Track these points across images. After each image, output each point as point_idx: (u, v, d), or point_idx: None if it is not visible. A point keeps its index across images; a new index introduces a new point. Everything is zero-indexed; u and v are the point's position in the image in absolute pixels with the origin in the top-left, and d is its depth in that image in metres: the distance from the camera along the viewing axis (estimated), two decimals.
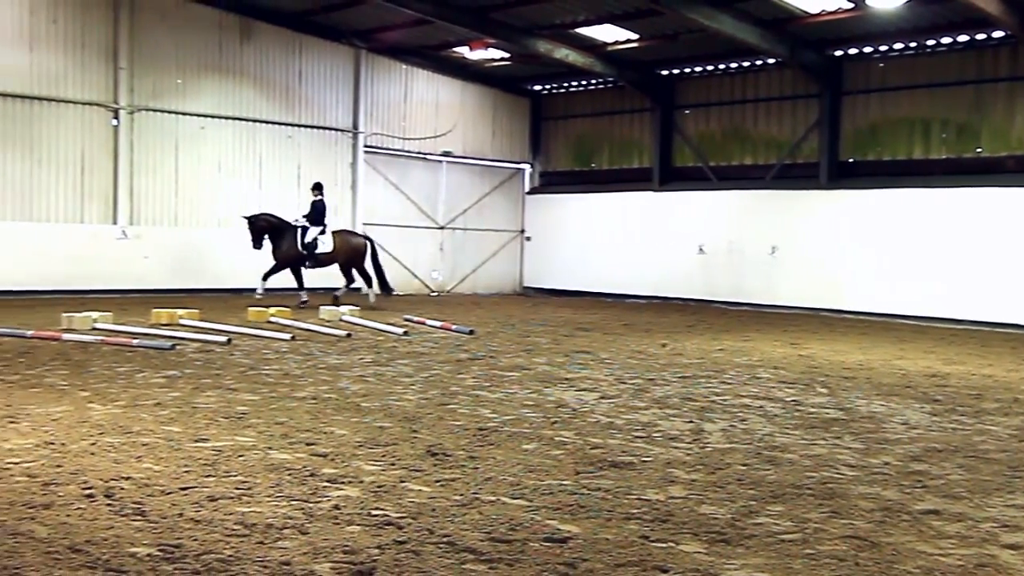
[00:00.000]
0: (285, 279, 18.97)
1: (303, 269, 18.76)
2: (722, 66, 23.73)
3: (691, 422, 7.99)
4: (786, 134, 22.97)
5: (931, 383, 10.74)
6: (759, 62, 22.91)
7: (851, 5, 18.39)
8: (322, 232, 18.75)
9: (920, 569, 4.48)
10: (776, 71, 22.86)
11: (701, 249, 23.92)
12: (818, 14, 19.07)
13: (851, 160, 21.82)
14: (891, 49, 20.76)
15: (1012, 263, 18.51)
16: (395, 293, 20.59)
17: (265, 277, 18.40)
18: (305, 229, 18.59)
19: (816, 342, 15.03)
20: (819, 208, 21.75)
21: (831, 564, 4.49)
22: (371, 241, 19.64)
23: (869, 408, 8.91)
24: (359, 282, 19.58)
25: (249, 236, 18.35)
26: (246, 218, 18.59)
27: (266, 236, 18.46)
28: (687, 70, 24.48)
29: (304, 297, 18.50)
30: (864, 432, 7.73)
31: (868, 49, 20.99)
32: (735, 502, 5.51)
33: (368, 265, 19.36)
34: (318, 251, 18.68)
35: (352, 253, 19.25)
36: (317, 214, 18.81)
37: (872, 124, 21.46)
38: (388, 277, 19.72)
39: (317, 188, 19.12)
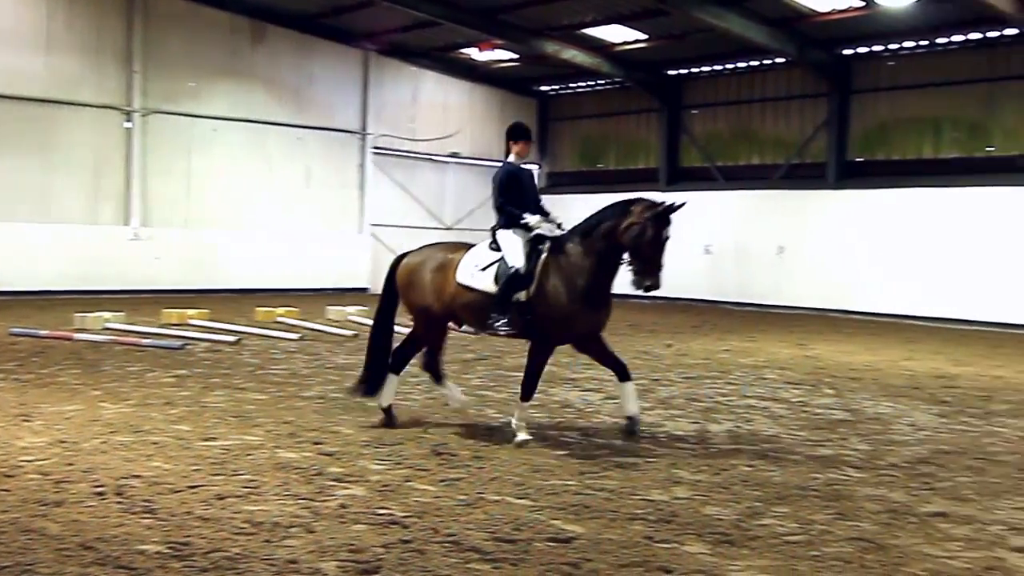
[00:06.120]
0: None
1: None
2: (730, 66, 23.76)
3: (696, 423, 8.00)
4: (794, 134, 22.96)
5: (939, 384, 10.70)
6: (767, 61, 22.92)
7: (861, 3, 18.36)
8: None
9: (927, 572, 4.49)
10: (784, 70, 22.86)
11: (707, 249, 23.83)
12: (827, 12, 19.04)
13: (860, 160, 21.76)
14: (901, 48, 20.71)
15: (1023, 263, 18.42)
16: None
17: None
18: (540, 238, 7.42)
19: (823, 343, 14.98)
20: (827, 208, 21.69)
21: (837, 566, 4.50)
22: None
23: (876, 409, 8.89)
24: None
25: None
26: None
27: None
28: (695, 70, 24.53)
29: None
30: (871, 434, 7.72)
31: (878, 48, 20.95)
32: (740, 503, 5.51)
33: None
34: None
35: None
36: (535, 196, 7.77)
37: (881, 123, 21.38)
38: None
39: (525, 133, 7.74)
